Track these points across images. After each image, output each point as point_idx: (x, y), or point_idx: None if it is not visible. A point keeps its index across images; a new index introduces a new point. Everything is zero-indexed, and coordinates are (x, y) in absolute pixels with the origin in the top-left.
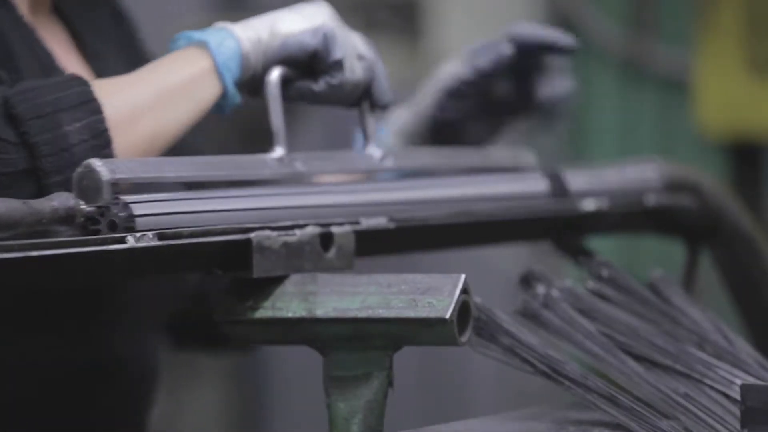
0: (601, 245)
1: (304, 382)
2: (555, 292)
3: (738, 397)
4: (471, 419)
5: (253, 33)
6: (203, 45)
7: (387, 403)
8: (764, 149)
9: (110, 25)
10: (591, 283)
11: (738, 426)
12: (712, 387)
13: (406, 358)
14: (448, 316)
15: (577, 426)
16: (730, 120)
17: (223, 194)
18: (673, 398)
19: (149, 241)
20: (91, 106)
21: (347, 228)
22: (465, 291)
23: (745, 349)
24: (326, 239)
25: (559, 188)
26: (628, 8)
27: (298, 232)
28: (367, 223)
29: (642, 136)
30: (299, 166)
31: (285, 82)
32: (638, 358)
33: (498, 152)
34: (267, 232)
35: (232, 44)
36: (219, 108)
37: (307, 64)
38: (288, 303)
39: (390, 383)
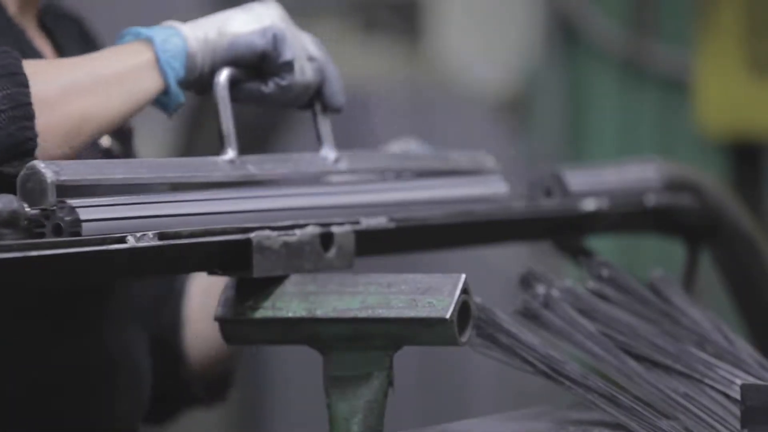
0: (601, 245)
1: (304, 382)
2: (555, 292)
3: (738, 397)
4: (471, 419)
5: (201, 32)
6: (149, 41)
7: (387, 403)
8: (764, 149)
9: (80, 43)
10: (591, 283)
11: (738, 426)
12: (712, 387)
13: (406, 358)
14: (448, 316)
15: (577, 426)
16: (730, 120)
17: (176, 198)
18: (673, 398)
19: (149, 240)
20: (16, 78)
21: (347, 228)
22: (465, 291)
23: (745, 349)
24: (326, 239)
25: (558, 188)
26: (628, 8)
27: (298, 232)
28: (367, 223)
29: (642, 136)
30: (251, 168)
31: (234, 83)
32: (638, 358)
33: (456, 156)
34: (267, 232)
35: (178, 42)
36: (163, 107)
37: (257, 65)
38: (288, 303)
39: (390, 383)
